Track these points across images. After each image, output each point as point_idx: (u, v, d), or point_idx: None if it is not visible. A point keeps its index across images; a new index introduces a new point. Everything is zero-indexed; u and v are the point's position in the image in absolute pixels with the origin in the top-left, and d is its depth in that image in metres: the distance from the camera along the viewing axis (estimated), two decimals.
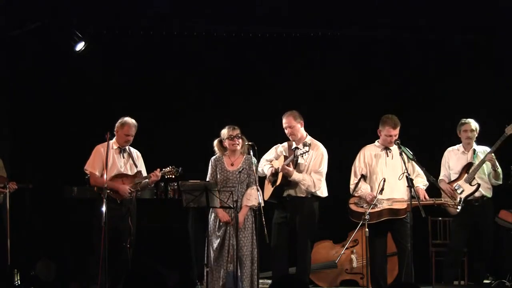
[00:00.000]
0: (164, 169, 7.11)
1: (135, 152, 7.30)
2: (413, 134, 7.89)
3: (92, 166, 7.12)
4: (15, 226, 7.69)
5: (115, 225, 6.90)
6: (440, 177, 7.42)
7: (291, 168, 6.87)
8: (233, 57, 8.83)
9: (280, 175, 6.94)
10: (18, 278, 7.60)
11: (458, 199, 7.10)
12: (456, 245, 7.49)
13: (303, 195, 6.98)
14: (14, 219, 7.61)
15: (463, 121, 7.42)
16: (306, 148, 6.74)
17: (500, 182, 7.33)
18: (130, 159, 7.21)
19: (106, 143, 7.00)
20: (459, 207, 7.07)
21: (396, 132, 6.91)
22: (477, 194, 7.21)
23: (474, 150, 7.35)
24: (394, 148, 6.96)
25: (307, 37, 8.85)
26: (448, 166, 7.47)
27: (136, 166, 7.18)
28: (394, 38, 8.79)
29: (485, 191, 7.31)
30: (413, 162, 6.87)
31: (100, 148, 7.16)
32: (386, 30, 8.70)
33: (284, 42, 8.85)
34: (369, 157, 7.03)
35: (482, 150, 7.36)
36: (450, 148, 7.53)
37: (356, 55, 8.81)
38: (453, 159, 7.47)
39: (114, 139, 7.14)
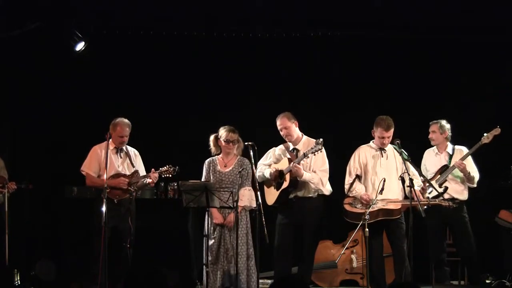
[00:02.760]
0: (161, 168, 7.13)
1: (133, 151, 7.31)
2: (411, 135, 7.88)
3: (88, 167, 7.16)
4: (16, 226, 7.69)
5: (114, 225, 6.92)
6: None
7: (301, 167, 6.86)
8: (232, 57, 8.82)
9: (287, 177, 6.92)
10: (18, 278, 7.60)
11: (425, 198, 7.10)
12: (432, 246, 7.52)
13: (310, 195, 6.98)
14: (14, 219, 7.62)
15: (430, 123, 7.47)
16: (319, 146, 6.71)
17: (474, 185, 7.34)
18: (128, 158, 7.22)
19: (103, 143, 7.09)
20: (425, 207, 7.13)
21: (388, 134, 6.90)
22: (446, 196, 7.20)
23: (448, 153, 7.35)
24: (389, 149, 6.97)
25: (307, 37, 8.85)
26: (425, 167, 7.51)
27: (134, 166, 7.19)
28: (393, 38, 8.78)
29: (457, 194, 7.31)
30: (408, 163, 6.88)
31: (97, 149, 7.20)
32: (386, 31, 8.69)
33: (284, 42, 8.85)
34: (364, 157, 7.04)
35: (458, 151, 7.35)
36: (428, 149, 7.58)
37: (356, 55, 8.80)
38: (428, 160, 7.55)
39: (110, 140, 7.15)
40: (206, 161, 7.01)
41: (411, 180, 6.51)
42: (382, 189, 6.66)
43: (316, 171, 6.97)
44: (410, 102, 8.65)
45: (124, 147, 7.24)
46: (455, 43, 8.73)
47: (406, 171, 6.59)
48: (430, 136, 7.49)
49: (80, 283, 7.57)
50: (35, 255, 7.97)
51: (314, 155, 6.80)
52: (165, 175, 7.19)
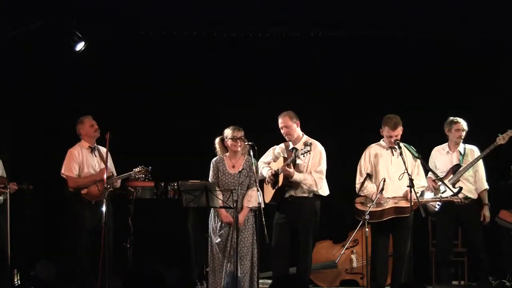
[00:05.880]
0: (134, 169, 7.20)
1: (103, 150, 7.36)
2: (417, 133, 7.86)
3: (69, 170, 7.27)
4: (16, 226, 7.69)
5: (93, 227, 7.02)
6: (428, 176, 7.33)
7: (291, 169, 6.85)
8: (232, 58, 8.82)
9: (281, 177, 6.92)
10: (18, 278, 7.60)
11: (439, 197, 7.14)
12: (441, 245, 7.49)
13: (305, 195, 6.97)
14: (14, 219, 7.62)
15: (454, 120, 7.40)
16: (308, 148, 6.70)
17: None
18: (99, 157, 7.31)
19: (77, 145, 7.29)
20: (437, 206, 7.18)
21: (395, 133, 6.86)
22: (460, 196, 7.15)
23: (460, 152, 7.34)
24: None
25: (307, 37, 8.84)
26: (434, 166, 7.46)
27: (105, 164, 7.20)
28: (395, 38, 8.77)
29: (470, 192, 7.29)
30: (419, 161, 6.86)
31: (73, 151, 7.34)
32: (387, 30, 8.69)
33: (284, 42, 8.84)
34: (374, 155, 7.01)
35: (470, 151, 7.34)
36: (436, 147, 7.55)
37: (357, 55, 8.80)
38: (439, 158, 7.49)
39: (82, 141, 7.32)
40: (213, 160, 6.94)
41: (411, 180, 6.50)
42: (382, 189, 6.67)
43: (311, 172, 6.96)
44: (411, 103, 8.64)
45: (96, 146, 7.33)
46: (458, 42, 8.73)
47: (406, 170, 6.58)
48: (461, 134, 7.34)
49: (80, 283, 7.58)
50: (35, 255, 7.97)
51: (304, 156, 6.80)
52: (138, 175, 7.26)
